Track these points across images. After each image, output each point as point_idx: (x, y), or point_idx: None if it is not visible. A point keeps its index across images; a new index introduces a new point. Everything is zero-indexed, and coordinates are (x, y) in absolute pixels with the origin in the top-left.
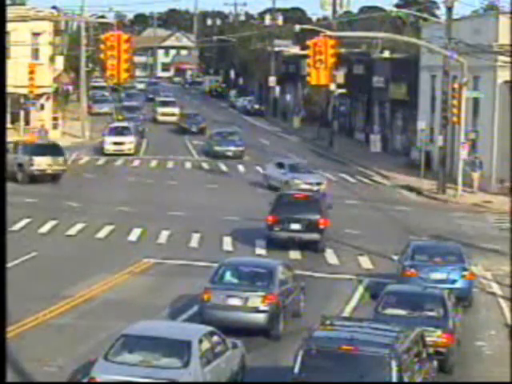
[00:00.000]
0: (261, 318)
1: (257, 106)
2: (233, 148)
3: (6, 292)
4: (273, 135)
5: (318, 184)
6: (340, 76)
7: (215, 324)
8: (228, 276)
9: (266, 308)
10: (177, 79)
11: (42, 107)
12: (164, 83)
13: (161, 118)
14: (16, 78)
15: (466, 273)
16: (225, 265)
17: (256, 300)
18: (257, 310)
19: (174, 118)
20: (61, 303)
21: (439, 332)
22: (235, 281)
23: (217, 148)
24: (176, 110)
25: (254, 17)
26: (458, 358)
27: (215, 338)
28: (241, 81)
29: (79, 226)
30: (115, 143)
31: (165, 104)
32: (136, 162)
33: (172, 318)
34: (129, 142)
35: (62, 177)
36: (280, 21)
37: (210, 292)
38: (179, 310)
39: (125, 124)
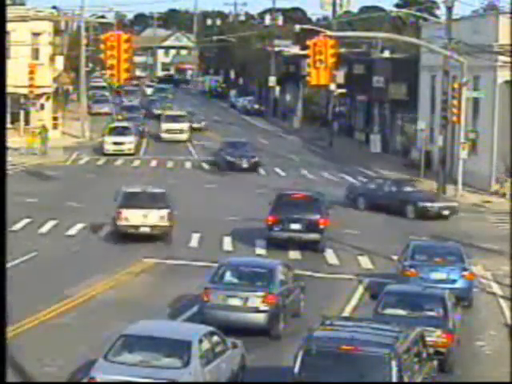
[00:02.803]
0: (261, 317)
1: (257, 106)
2: None
3: (5, 292)
4: (273, 135)
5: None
6: (340, 76)
7: (215, 324)
8: (228, 276)
9: (266, 308)
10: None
11: (42, 107)
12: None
13: (165, 136)
14: (16, 78)
15: (465, 273)
16: (225, 265)
17: (256, 300)
18: (257, 310)
19: (181, 136)
20: (61, 303)
21: (439, 332)
22: (235, 281)
23: None
24: (185, 126)
25: (254, 17)
26: (457, 357)
27: (215, 338)
28: (241, 81)
29: (79, 226)
30: (115, 143)
31: (171, 119)
32: (136, 162)
33: (172, 317)
34: (129, 142)
35: (62, 177)
36: (280, 21)
37: (210, 292)
38: (179, 310)
39: (125, 124)
